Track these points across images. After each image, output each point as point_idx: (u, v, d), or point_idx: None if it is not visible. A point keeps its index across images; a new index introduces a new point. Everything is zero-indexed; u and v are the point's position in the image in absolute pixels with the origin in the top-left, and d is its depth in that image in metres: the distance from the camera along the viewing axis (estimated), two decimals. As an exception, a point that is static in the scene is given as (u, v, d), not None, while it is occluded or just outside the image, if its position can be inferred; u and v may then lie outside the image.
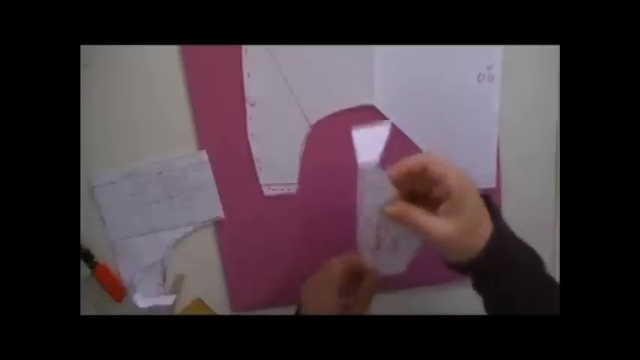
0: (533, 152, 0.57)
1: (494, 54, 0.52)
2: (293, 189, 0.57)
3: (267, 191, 0.56)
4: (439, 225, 0.40)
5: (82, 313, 0.50)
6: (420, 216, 0.40)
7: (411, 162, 0.41)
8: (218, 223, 0.59)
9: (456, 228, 0.39)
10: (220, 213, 0.58)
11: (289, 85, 0.53)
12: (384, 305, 0.61)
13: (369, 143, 0.42)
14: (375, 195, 0.43)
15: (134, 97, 0.55)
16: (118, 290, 0.60)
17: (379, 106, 0.54)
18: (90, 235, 0.58)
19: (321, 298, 0.49)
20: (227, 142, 0.56)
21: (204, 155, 0.56)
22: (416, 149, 0.55)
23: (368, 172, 0.43)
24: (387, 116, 0.54)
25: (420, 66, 0.53)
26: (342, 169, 0.53)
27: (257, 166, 0.56)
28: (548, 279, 0.44)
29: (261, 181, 0.56)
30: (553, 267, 0.59)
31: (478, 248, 0.40)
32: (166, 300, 0.60)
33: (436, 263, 0.46)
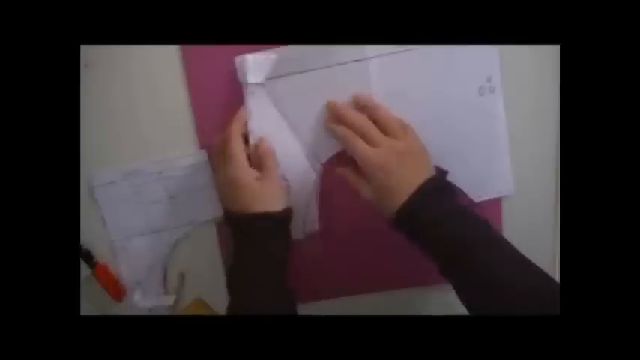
0: (533, 152, 0.57)
1: (491, 65, 0.53)
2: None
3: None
4: (363, 188, 0.49)
5: (82, 313, 0.50)
6: (355, 179, 0.49)
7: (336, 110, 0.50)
8: (218, 223, 0.59)
9: (371, 194, 0.48)
10: (220, 213, 0.58)
11: (292, 122, 0.54)
12: (384, 305, 0.61)
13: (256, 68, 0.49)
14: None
15: (134, 97, 0.55)
16: (118, 290, 0.60)
17: None
18: (90, 235, 0.58)
19: (237, 171, 0.48)
20: (227, 142, 0.55)
21: (204, 155, 0.56)
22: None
23: (255, 89, 0.52)
24: None
25: (419, 86, 0.53)
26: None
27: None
28: (494, 238, 0.46)
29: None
30: (553, 267, 0.59)
31: (390, 213, 0.46)
32: (166, 300, 0.60)
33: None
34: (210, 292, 0.61)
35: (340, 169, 0.52)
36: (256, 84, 0.52)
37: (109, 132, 0.56)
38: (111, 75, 0.54)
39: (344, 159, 0.52)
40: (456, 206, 0.47)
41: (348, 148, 0.49)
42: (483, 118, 0.54)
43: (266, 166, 0.50)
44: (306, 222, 0.57)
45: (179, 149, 0.56)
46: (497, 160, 0.56)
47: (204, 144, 0.56)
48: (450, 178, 0.52)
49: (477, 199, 0.56)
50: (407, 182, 0.46)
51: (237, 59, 0.52)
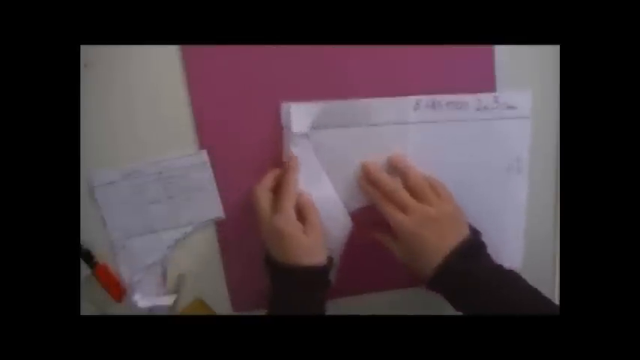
0: (533, 151, 0.57)
1: (522, 146, 0.55)
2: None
3: None
4: (394, 246, 0.51)
5: (82, 313, 0.50)
6: (388, 241, 0.51)
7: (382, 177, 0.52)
8: (218, 223, 0.59)
9: (402, 253, 0.50)
10: (220, 213, 0.58)
11: (327, 171, 0.55)
12: (384, 305, 0.61)
13: (300, 117, 0.49)
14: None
15: (134, 97, 0.55)
16: (118, 290, 0.60)
17: None
18: (90, 235, 0.58)
19: (286, 224, 0.49)
20: (227, 142, 0.56)
21: (204, 155, 0.56)
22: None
23: (299, 139, 0.53)
24: None
25: (453, 155, 0.55)
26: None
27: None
28: (527, 293, 0.46)
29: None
30: (553, 267, 0.59)
31: (423, 275, 0.47)
32: (166, 300, 0.60)
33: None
34: (210, 292, 0.61)
35: (374, 233, 0.53)
36: (299, 133, 0.54)
37: (108, 132, 0.56)
38: (111, 75, 0.54)
39: (373, 214, 0.53)
40: (491, 265, 0.48)
41: (379, 209, 0.50)
42: (507, 195, 0.57)
43: (309, 218, 0.50)
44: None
45: (179, 149, 0.56)
46: (512, 235, 0.58)
47: (205, 144, 0.56)
48: None
49: None
50: (440, 246, 0.47)
51: (284, 106, 0.54)
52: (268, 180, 0.52)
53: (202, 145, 0.56)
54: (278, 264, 0.49)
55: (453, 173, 0.55)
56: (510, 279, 0.46)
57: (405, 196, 0.49)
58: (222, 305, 0.62)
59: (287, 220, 0.48)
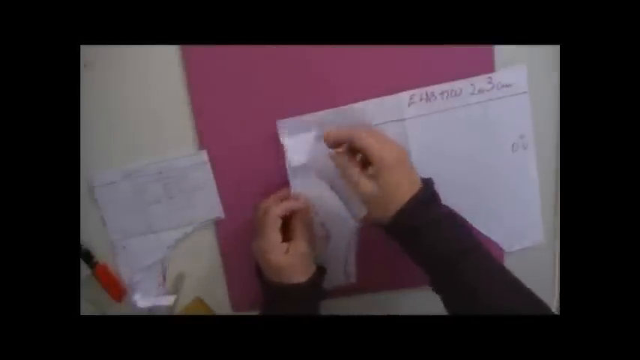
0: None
1: (524, 122, 0.55)
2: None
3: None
4: (365, 184, 0.47)
5: (82, 313, 0.50)
6: (354, 173, 0.48)
7: (339, 134, 0.49)
8: (218, 223, 0.59)
9: (377, 190, 0.46)
10: (220, 213, 0.58)
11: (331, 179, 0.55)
12: (384, 305, 0.61)
13: (298, 148, 0.48)
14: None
15: (134, 97, 0.55)
16: (117, 290, 0.60)
17: None
18: (90, 235, 0.58)
19: (268, 246, 0.50)
20: (227, 142, 0.56)
21: (204, 155, 0.56)
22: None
23: (299, 171, 0.54)
24: None
25: (455, 144, 0.55)
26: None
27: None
28: (476, 248, 0.46)
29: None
30: (553, 267, 0.59)
31: (390, 214, 0.46)
32: (166, 300, 0.60)
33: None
34: (209, 292, 0.61)
35: (343, 159, 0.49)
36: (296, 142, 0.54)
37: (109, 132, 0.56)
38: (111, 75, 0.54)
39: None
40: (439, 214, 0.47)
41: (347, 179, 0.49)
42: (516, 173, 0.56)
43: (294, 238, 0.51)
44: (346, 272, 0.59)
45: (179, 149, 0.56)
46: (529, 212, 0.57)
47: (204, 144, 0.56)
48: (483, 230, 0.56)
49: (508, 250, 0.58)
50: (404, 188, 0.46)
51: (279, 122, 0.54)
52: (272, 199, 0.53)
53: (202, 145, 0.56)
54: (264, 278, 0.52)
55: (460, 162, 0.55)
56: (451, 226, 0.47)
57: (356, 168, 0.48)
58: (222, 305, 0.62)
59: (268, 243, 0.50)
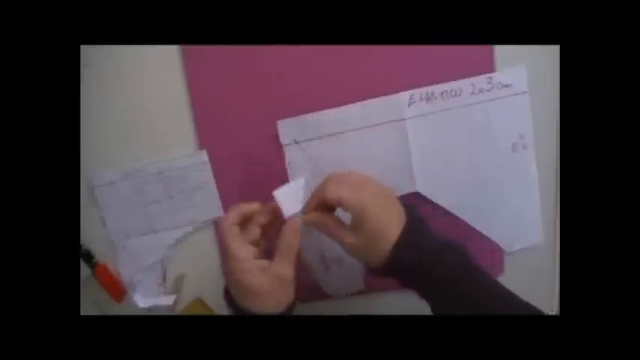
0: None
1: (524, 122, 0.55)
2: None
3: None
4: (348, 235, 0.44)
5: (82, 313, 0.50)
6: (334, 226, 0.45)
7: (312, 201, 0.46)
8: (218, 223, 0.59)
9: (360, 238, 0.43)
10: (220, 213, 0.58)
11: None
12: (384, 305, 0.61)
13: (290, 199, 0.46)
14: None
15: (134, 97, 0.55)
16: (118, 290, 0.60)
17: (423, 192, 0.56)
18: (90, 235, 0.58)
19: (236, 265, 0.44)
20: (227, 142, 0.56)
21: (204, 155, 0.56)
22: (461, 223, 0.57)
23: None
24: (431, 199, 0.56)
25: (455, 144, 0.55)
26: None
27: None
28: (475, 269, 0.45)
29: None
30: (553, 267, 0.59)
31: (383, 255, 0.43)
32: (166, 300, 0.60)
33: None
34: (209, 292, 0.61)
35: (317, 216, 0.46)
36: (295, 146, 0.54)
37: (108, 132, 0.56)
38: (111, 75, 0.54)
39: None
40: (439, 243, 0.46)
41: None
42: (516, 173, 0.56)
43: (276, 256, 0.45)
44: (352, 282, 0.59)
45: (179, 149, 0.56)
46: (529, 212, 0.58)
47: (204, 144, 0.56)
48: (483, 230, 0.56)
49: (508, 250, 0.58)
50: (391, 225, 0.43)
51: (279, 123, 0.54)
52: (235, 214, 0.46)
53: (202, 145, 0.56)
54: (233, 302, 0.47)
55: (460, 162, 0.55)
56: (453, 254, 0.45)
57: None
58: (222, 305, 0.61)
59: (234, 261, 0.44)
